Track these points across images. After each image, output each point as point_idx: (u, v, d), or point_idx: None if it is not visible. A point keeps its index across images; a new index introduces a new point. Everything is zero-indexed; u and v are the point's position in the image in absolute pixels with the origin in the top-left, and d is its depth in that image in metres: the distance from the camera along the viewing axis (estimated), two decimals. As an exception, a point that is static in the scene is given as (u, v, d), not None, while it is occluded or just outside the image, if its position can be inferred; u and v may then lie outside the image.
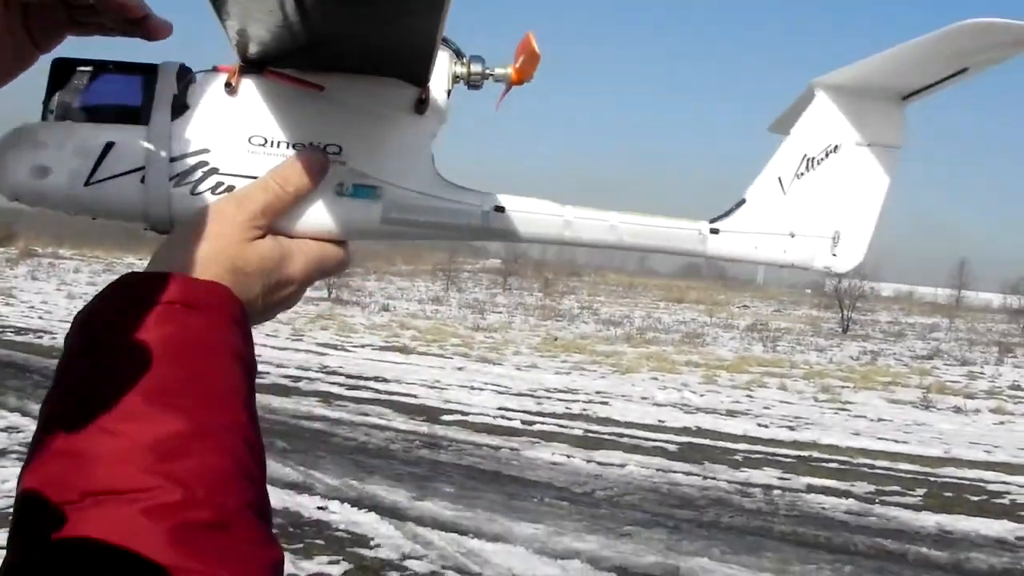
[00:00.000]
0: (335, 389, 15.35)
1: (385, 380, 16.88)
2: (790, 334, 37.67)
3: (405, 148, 1.11)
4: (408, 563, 6.98)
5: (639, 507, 9.34)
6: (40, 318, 23.09)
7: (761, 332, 36.74)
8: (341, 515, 7.97)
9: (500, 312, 38.00)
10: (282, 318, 27.85)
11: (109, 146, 1.06)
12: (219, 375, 0.90)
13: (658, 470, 11.02)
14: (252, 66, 1.07)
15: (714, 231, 1.21)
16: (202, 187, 1.06)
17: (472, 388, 16.62)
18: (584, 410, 15.02)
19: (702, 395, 18.05)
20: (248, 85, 1.07)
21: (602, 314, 41.49)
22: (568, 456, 11.39)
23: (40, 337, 19.36)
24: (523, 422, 13.41)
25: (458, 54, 1.11)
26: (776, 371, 23.03)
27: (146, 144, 1.06)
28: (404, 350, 22.15)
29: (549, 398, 16.06)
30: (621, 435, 13.04)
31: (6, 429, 10.09)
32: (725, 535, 8.62)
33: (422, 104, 1.09)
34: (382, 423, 12.69)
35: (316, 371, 17.48)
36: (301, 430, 11.78)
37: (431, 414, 13.62)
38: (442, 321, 31.31)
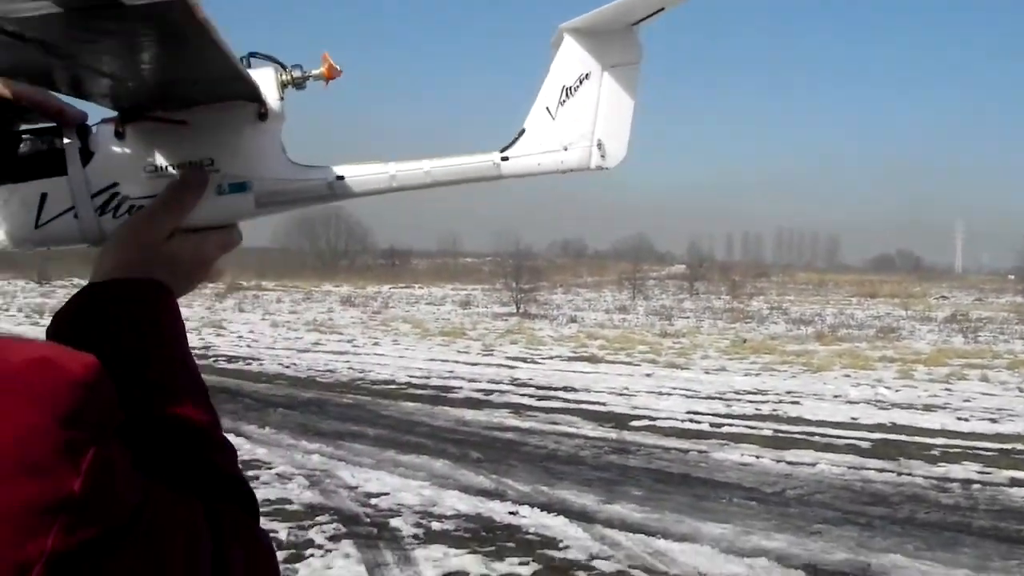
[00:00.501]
0: (525, 400, 15.74)
1: (574, 389, 17.18)
2: (993, 323, 35.92)
3: (259, 148, 1.42)
4: (596, 563, 7.21)
5: (830, 505, 9.27)
6: (248, 346, 24.54)
7: (961, 323, 35.20)
8: (531, 519, 8.27)
9: (687, 317, 37.78)
10: (473, 335, 28.68)
11: (44, 196, 1.38)
12: (178, 346, 1.18)
13: (850, 468, 10.87)
14: (129, 114, 1.37)
15: (504, 159, 1.50)
16: (120, 212, 1.37)
17: (660, 394, 16.71)
18: (774, 410, 14.90)
19: (897, 390, 17.55)
20: (132, 129, 1.37)
21: (792, 313, 40.61)
22: (757, 456, 11.37)
23: (249, 364, 20.61)
24: (712, 425, 13.44)
25: (281, 66, 1.40)
26: (977, 362, 22.07)
27: (70, 189, 1.37)
28: (592, 359, 22.42)
29: (738, 400, 15.99)
30: (812, 434, 12.89)
31: (224, 449, 10.87)
32: (920, 531, 8.47)
33: (263, 114, 1.38)
34: (572, 431, 12.98)
35: (507, 384, 17.95)
36: (493, 440, 12.20)
37: (620, 420, 13.82)
38: (629, 329, 31.43)
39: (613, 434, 12.75)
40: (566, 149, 1.51)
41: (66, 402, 0.75)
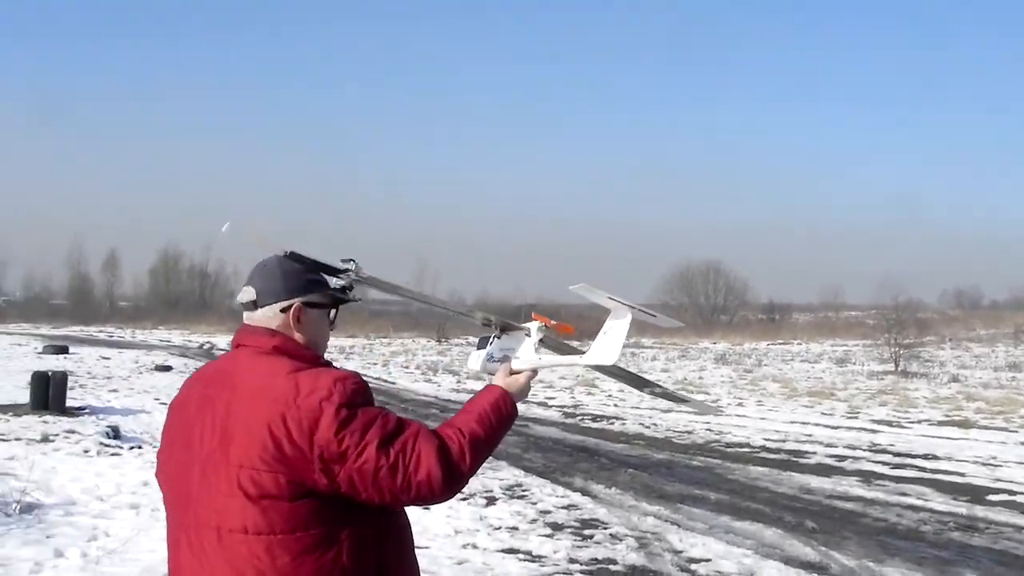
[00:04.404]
0: (878, 468, 15.40)
1: (935, 457, 16.53)
2: None
3: (528, 347, 3.32)
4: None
5: None
6: (615, 406, 25.59)
7: None
8: (846, 595, 8.31)
9: (1092, 377, 34.42)
10: (841, 396, 28.04)
11: (486, 356, 3.50)
12: (489, 406, 2.82)
13: None
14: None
15: (582, 355, 3.33)
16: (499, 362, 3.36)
17: (1031, 465, 15.70)
18: None
19: None
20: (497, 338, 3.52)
21: None
22: None
23: (611, 423, 21.58)
24: (1081, 502, 12.53)
25: (545, 326, 3.33)
26: None
27: (488, 353, 3.50)
28: (964, 424, 21.26)
29: None
30: None
31: (567, 507, 11.67)
32: None
33: (528, 334, 3.33)
34: (918, 503, 12.61)
35: (864, 449, 17.59)
36: (833, 510, 12.15)
37: (976, 494, 13.22)
38: (1016, 390, 29.26)
39: (963, 509, 12.25)
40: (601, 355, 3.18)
41: (353, 387, 2.57)
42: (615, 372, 3.65)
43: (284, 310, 2.80)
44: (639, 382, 3.86)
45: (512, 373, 3.02)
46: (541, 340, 3.27)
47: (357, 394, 2.57)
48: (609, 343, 3.12)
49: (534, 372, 3.05)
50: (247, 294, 2.83)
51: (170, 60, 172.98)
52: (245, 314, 2.85)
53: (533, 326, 3.23)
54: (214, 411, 2.64)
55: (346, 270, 2.96)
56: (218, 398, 2.63)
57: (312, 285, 2.87)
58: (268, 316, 2.79)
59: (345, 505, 2.53)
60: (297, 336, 2.80)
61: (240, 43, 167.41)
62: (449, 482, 2.58)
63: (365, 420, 2.53)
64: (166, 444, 2.83)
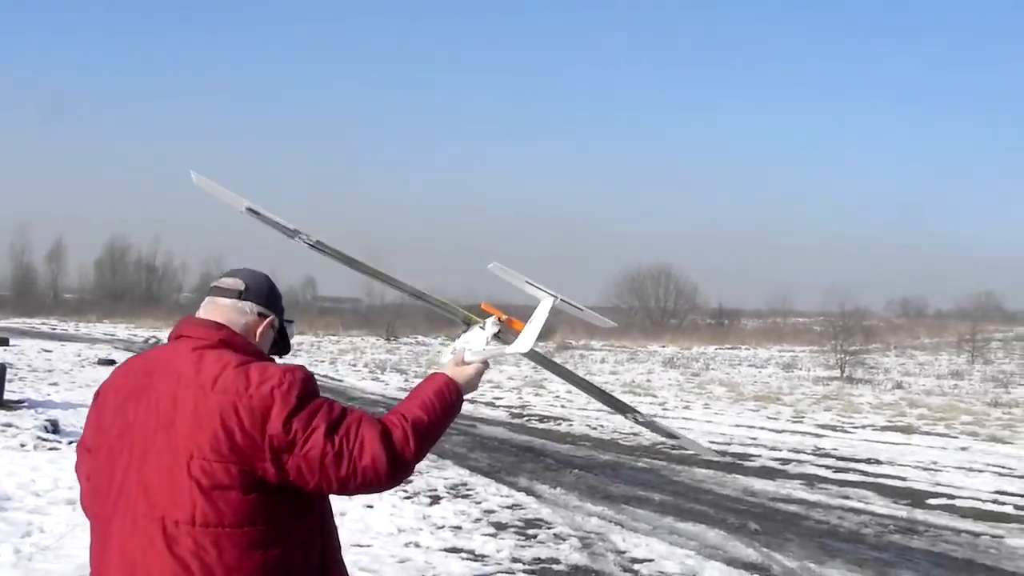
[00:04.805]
0: (822, 472, 15.54)
1: (877, 462, 16.71)
2: None
3: (480, 339, 3.12)
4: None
5: None
6: (562, 407, 25.56)
7: None
8: (786, 596, 8.36)
9: (1030, 385, 35.06)
10: (787, 400, 28.28)
11: (451, 349, 3.24)
12: (437, 398, 2.80)
13: None
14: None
15: (508, 345, 3.16)
16: (456, 347, 3.21)
17: (970, 470, 15.91)
18: (1100, 495, 13.79)
19: None
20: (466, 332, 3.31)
21: None
22: (1061, 546, 10.67)
23: (558, 424, 21.56)
24: (1017, 507, 12.71)
25: (500, 319, 3.18)
26: None
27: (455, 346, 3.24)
28: (906, 430, 21.54)
29: (1061, 481, 14.90)
30: None
31: (512, 506, 11.61)
32: None
33: (483, 328, 3.21)
34: (860, 506, 12.73)
35: (808, 453, 17.73)
36: (776, 512, 12.23)
37: (916, 497, 13.38)
38: (958, 397, 29.74)
39: (903, 512, 12.38)
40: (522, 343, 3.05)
41: (302, 377, 2.62)
42: (594, 392, 3.59)
43: (261, 315, 2.90)
44: (620, 406, 3.72)
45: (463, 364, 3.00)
46: (496, 334, 3.20)
47: (306, 383, 2.63)
48: (528, 331, 3.06)
49: (485, 364, 3.02)
50: (236, 283, 2.89)
51: (169, 58, 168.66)
52: (208, 299, 2.89)
53: (489, 320, 3.20)
54: (158, 402, 2.62)
55: (296, 231, 3.00)
56: (161, 389, 2.62)
57: (282, 315, 3.01)
58: (243, 311, 2.87)
59: (293, 498, 2.59)
60: (256, 341, 2.87)
61: (240, 42, 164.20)
62: (394, 467, 2.61)
63: (312, 409, 2.58)
64: (94, 432, 2.79)
